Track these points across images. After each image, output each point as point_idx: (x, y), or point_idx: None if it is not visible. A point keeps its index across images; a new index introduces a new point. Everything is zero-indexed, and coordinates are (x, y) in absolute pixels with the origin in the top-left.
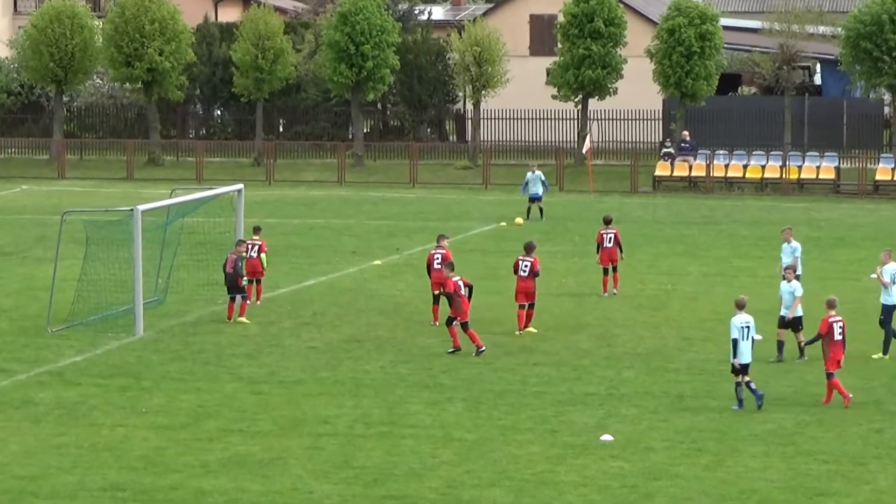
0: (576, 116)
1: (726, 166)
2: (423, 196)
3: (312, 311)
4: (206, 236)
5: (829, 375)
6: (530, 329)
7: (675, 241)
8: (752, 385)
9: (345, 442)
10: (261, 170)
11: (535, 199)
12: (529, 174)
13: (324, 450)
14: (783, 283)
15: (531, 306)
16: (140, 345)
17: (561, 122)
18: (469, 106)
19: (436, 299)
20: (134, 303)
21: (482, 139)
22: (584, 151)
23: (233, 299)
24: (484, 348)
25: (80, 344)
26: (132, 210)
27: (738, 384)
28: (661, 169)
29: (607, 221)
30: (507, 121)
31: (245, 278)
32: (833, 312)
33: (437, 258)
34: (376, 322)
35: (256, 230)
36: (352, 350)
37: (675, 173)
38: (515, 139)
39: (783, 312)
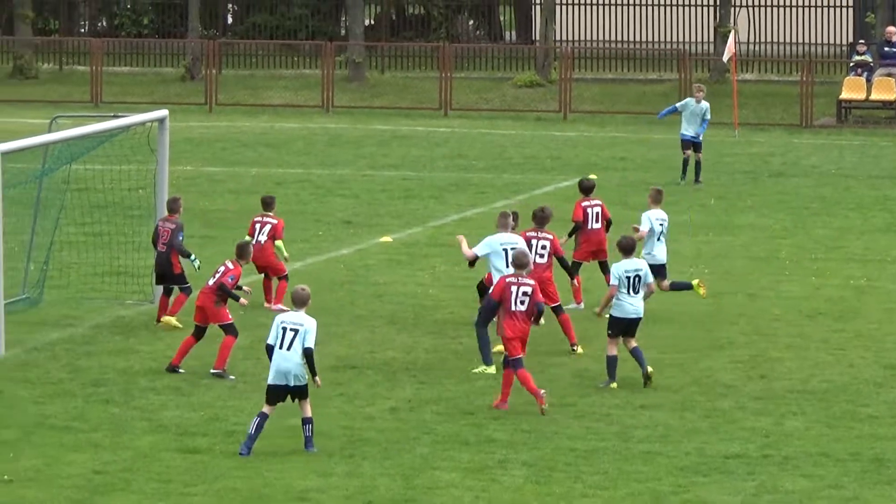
0: (712, 2)
1: None
2: (461, 131)
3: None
4: (107, 195)
5: None
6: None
7: (872, 206)
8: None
9: None
10: (197, 86)
11: (690, 143)
12: (691, 101)
13: None
14: None
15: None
16: (0, 371)
17: (687, 10)
18: None
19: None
20: None
21: (559, 38)
22: (724, 59)
23: (167, 293)
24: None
25: None
26: None
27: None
28: (851, 88)
29: (587, 189)
30: (600, 8)
31: (194, 256)
32: None
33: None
34: (384, 336)
35: (268, 204)
36: (344, 382)
37: (874, 96)
38: (613, 38)
39: None
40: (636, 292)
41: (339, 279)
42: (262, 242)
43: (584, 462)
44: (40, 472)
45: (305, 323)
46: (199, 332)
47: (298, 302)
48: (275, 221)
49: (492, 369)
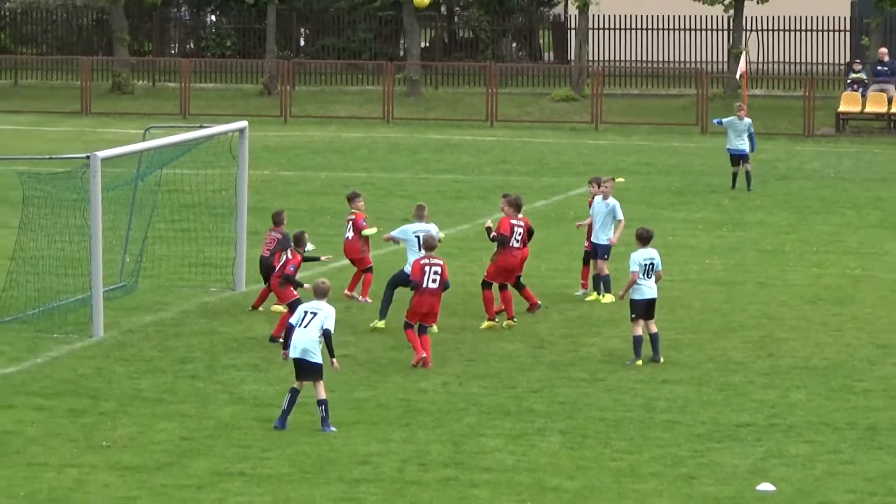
0: (726, 26)
1: None
2: (505, 140)
3: (345, 305)
4: (194, 196)
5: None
6: (512, 321)
7: (866, 205)
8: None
9: (392, 492)
10: (273, 101)
11: (739, 157)
12: (735, 119)
13: (361, 503)
14: None
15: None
16: (99, 351)
17: (704, 33)
18: (573, 11)
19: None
20: (91, 291)
21: (591, 58)
22: (737, 77)
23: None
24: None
25: (12, 349)
26: (88, 158)
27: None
28: (848, 102)
29: (598, 182)
30: (627, 32)
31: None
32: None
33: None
34: (437, 320)
35: (351, 199)
36: (402, 360)
37: (868, 109)
38: (638, 58)
39: None
40: (649, 277)
41: (395, 270)
42: (350, 238)
43: (612, 430)
44: (134, 438)
45: (325, 308)
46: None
47: (319, 293)
48: (353, 217)
49: (382, 323)
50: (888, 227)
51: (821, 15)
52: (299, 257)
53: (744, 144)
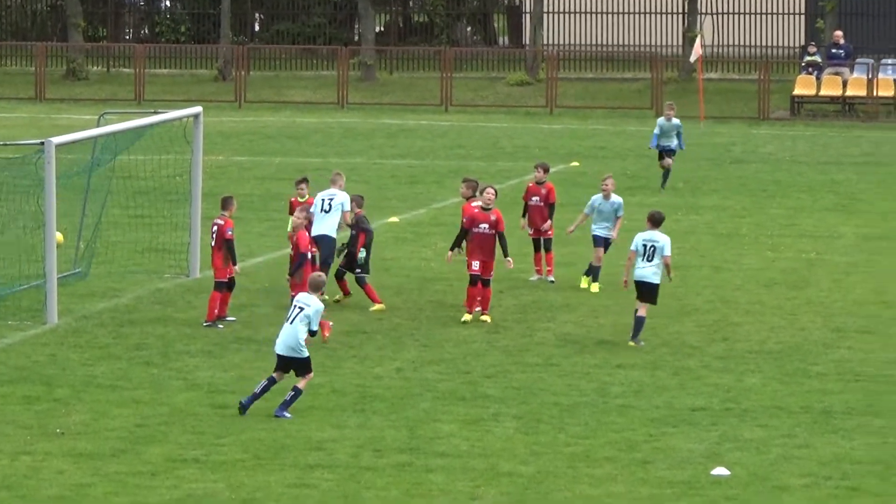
0: (680, 9)
1: None
2: (460, 124)
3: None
4: (148, 182)
5: None
6: (485, 317)
7: (821, 189)
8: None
9: (346, 477)
10: (227, 86)
11: (665, 152)
12: (662, 120)
13: (316, 488)
14: None
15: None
16: (53, 337)
17: (659, 17)
18: None
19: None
20: (45, 278)
21: (546, 42)
22: (691, 60)
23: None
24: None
25: None
26: (42, 144)
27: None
28: (803, 86)
29: (546, 169)
30: (582, 16)
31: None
32: None
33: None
34: (392, 305)
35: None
36: (356, 345)
37: (823, 92)
38: (593, 42)
39: None
40: (649, 260)
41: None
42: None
43: (567, 415)
44: (88, 425)
45: (312, 304)
46: (229, 286)
47: (314, 287)
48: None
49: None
50: (842, 211)
51: None
52: (231, 222)
53: (672, 143)
